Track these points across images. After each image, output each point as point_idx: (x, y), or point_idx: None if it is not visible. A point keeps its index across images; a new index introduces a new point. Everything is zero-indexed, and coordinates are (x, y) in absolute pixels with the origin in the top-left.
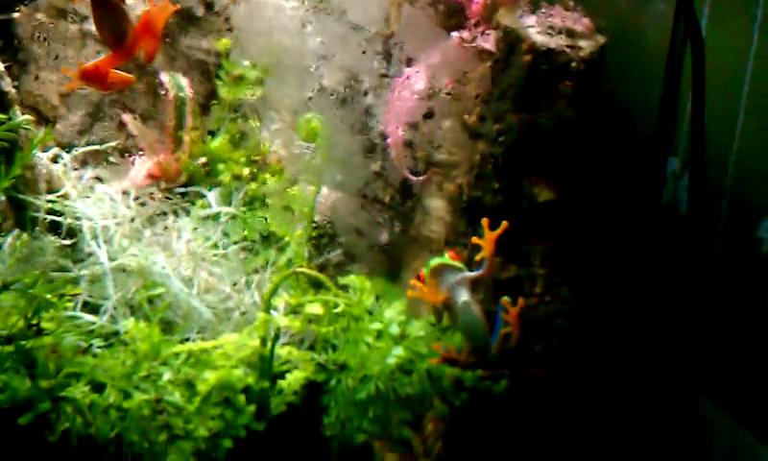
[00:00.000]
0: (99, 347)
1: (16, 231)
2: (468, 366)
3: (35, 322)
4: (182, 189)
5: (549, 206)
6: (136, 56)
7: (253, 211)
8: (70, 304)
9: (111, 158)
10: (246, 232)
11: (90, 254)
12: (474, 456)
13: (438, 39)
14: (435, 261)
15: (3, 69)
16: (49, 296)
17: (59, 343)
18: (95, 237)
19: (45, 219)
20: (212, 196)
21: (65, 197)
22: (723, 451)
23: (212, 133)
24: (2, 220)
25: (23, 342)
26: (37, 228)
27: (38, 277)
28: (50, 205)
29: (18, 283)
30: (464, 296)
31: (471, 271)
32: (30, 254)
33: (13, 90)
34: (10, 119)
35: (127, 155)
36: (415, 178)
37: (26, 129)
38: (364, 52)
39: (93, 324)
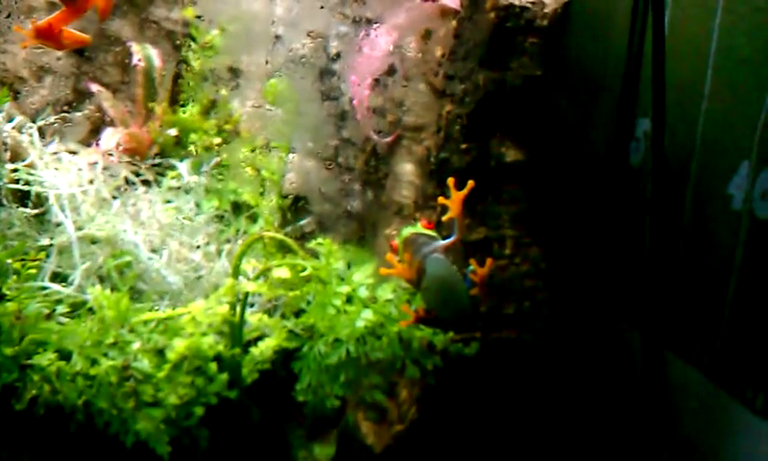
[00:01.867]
0: (65, 314)
1: None
2: (440, 325)
3: None
4: (153, 160)
5: (517, 167)
6: (89, 14)
7: (225, 181)
8: (33, 272)
9: (81, 130)
10: (217, 202)
11: (58, 224)
12: (449, 421)
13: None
14: (407, 231)
15: None
16: (10, 261)
17: (22, 310)
18: (62, 207)
19: (11, 189)
20: (183, 166)
21: (31, 166)
22: (694, 410)
23: (182, 104)
24: None
25: None
26: (2, 197)
27: None
28: (15, 174)
29: None
30: (436, 255)
31: (443, 237)
32: None
33: None
34: None
35: (95, 125)
36: (380, 138)
37: None
38: (322, 7)
39: (61, 293)
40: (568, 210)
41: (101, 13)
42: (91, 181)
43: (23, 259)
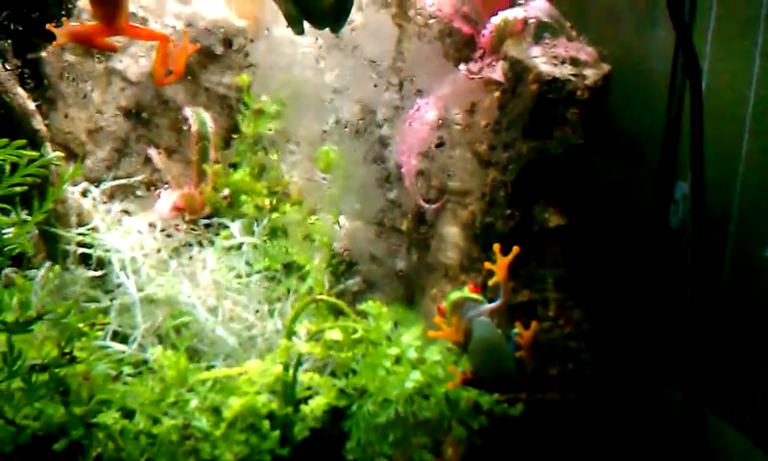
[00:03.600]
0: (128, 375)
1: (48, 264)
2: (486, 386)
3: (68, 350)
4: (207, 221)
5: (560, 231)
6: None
7: (275, 241)
8: (99, 334)
9: (138, 192)
10: (268, 262)
11: (119, 285)
12: None
13: (447, 71)
14: (455, 295)
15: (33, 108)
16: (81, 325)
17: (90, 371)
18: (124, 269)
19: (76, 251)
20: (235, 227)
21: (95, 230)
22: None
23: (234, 166)
24: (35, 253)
25: (57, 370)
26: (69, 260)
27: (71, 306)
28: (80, 237)
29: (51, 313)
30: (482, 318)
31: (489, 300)
32: (62, 285)
33: (44, 128)
34: (42, 156)
35: (153, 188)
36: (428, 205)
37: (56, 165)
38: (376, 86)
39: (123, 352)
40: (610, 272)
41: (157, 77)
42: (159, 251)
43: (93, 324)
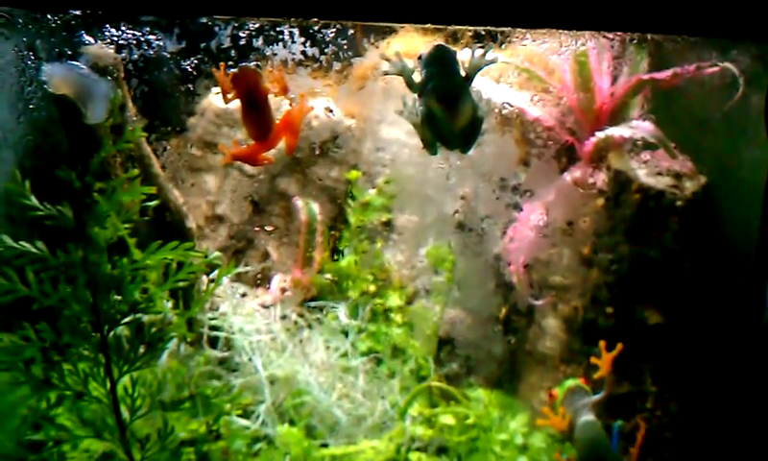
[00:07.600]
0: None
1: (175, 341)
2: None
3: (215, 428)
4: (312, 303)
5: (658, 329)
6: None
7: (378, 324)
8: (237, 413)
9: (250, 274)
10: (372, 344)
11: (240, 365)
12: None
13: (551, 177)
14: (570, 383)
15: (187, 210)
16: (228, 406)
17: (230, 446)
18: (252, 350)
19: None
20: (341, 310)
21: (224, 314)
22: None
23: (341, 253)
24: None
25: (203, 445)
26: (202, 340)
27: (221, 389)
28: (213, 321)
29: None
30: (588, 417)
31: (595, 393)
32: (192, 363)
33: (195, 226)
34: (206, 256)
35: (264, 270)
36: (536, 301)
37: (217, 264)
38: (495, 194)
39: (248, 428)
40: (706, 367)
41: (288, 149)
42: (288, 330)
43: (239, 404)
